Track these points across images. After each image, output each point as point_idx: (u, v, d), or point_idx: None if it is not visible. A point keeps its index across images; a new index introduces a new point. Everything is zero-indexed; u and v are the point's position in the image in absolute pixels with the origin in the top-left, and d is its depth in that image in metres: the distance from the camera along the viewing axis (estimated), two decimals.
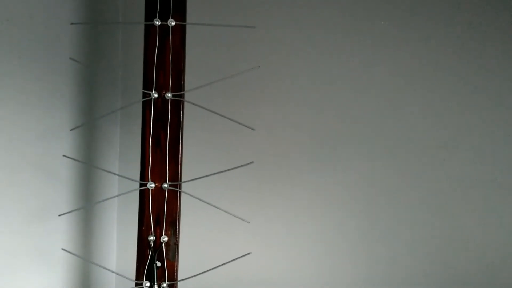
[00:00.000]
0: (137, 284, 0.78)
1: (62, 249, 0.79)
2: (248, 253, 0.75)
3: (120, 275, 0.79)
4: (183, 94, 0.77)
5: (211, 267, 0.78)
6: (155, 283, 0.76)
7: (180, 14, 0.77)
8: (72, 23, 0.83)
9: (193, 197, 0.77)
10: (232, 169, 0.76)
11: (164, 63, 0.77)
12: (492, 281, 0.93)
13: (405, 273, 0.96)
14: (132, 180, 0.79)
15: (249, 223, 0.75)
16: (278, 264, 1.02)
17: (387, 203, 0.97)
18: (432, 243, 0.96)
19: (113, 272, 0.80)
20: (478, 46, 0.94)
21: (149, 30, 0.77)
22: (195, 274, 0.78)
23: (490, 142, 0.94)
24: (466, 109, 0.95)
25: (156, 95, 0.77)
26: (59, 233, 0.93)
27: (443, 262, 0.95)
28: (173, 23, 0.76)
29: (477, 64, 0.94)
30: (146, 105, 0.78)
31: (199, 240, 1.04)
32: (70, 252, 0.79)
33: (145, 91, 0.77)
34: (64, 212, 0.80)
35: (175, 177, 0.77)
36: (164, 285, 0.77)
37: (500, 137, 0.93)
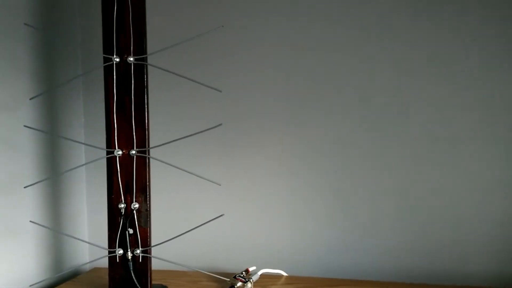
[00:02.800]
0: (110, 252, 0.77)
1: (30, 221, 0.77)
2: (221, 215, 0.75)
3: (92, 244, 0.78)
4: (146, 57, 0.74)
5: (184, 231, 0.78)
6: (128, 249, 0.76)
7: None
8: None
9: (162, 162, 0.76)
10: (201, 132, 0.75)
11: (124, 25, 0.74)
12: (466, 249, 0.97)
13: (380, 233, 0.99)
14: (99, 148, 0.78)
15: (220, 185, 0.75)
16: (251, 225, 1.03)
17: (360, 163, 0.99)
18: (410, 206, 0.98)
19: (84, 241, 0.80)
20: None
21: None
22: (168, 239, 0.78)
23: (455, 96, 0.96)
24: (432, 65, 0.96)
25: (117, 60, 0.74)
26: (26, 206, 0.90)
27: (419, 224, 0.97)
28: None
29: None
30: (108, 70, 0.75)
31: (171, 205, 1.03)
32: (38, 224, 0.77)
33: (106, 55, 0.75)
34: (30, 184, 0.78)
35: (143, 143, 0.76)
36: (138, 251, 0.76)
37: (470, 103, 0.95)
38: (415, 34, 0.95)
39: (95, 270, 1.02)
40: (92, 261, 0.85)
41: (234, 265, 1.01)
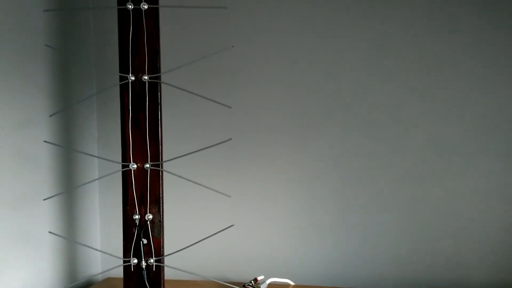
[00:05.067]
0: (125, 261, 0.81)
1: (49, 232, 0.81)
2: (231, 226, 0.79)
3: (108, 254, 0.82)
4: (160, 76, 0.79)
5: (196, 241, 0.81)
6: (142, 259, 0.80)
7: None
8: (45, 10, 0.83)
9: (175, 175, 0.80)
10: (211, 146, 0.79)
11: (139, 46, 0.79)
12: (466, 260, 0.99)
13: (383, 243, 1.02)
14: (114, 162, 0.81)
15: (230, 197, 0.78)
16: (260, 236, 1.06)
17: (364, 175, 1.02)
18: (412, 216, 1.01)
19: (100, 251, 0.83)
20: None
21: (122, 14, 0.78)
22: (180, 248, 0.81)
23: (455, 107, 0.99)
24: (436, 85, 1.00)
25: (133, 78, 0.78)
26: (43, 217, 0.94)
27: (420, 234, 1.00)
28: (145, 6, 0.77)
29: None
30: (123, 88, 0.79)
31: (183, 216, 1.07)
32: (56, 234, 0.81)
33: (122, 74, 0.79)
34: (48, 196, 0.82)
35: (156, 157, 0.79)
36: (151, 260, 0.80)
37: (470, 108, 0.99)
38: (418, 50, 0.99)
39: (108, 280, 1.05)
40: (106, 270, 0.88)
41: (243, 274, 1.04)
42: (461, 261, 0.98)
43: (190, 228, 1.04)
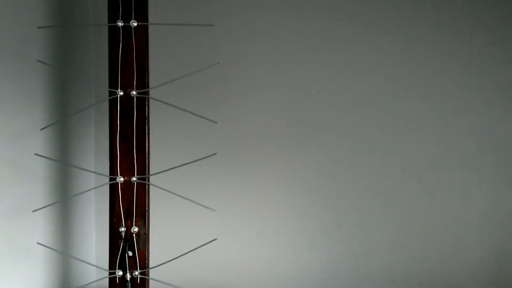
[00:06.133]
0: (110, 273, 0.82)
1: (38, 243, 0.82)
2: (214, 239, 0.79)
3: (93, 265, 0.83)
4: (148, 91, 0.81)
5: (181, 254, 0.82)
6: (127, 271, 0.81)
7: (142, 15, 0.80)
8: (38, 27, 0.86)
9: (161, 188, 0.81)
10: (196, 160, 0.80)
11: (128, 62, 0.81)
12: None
13: (377, 259, 1.02)
14: (101, 174, 0.83)
15: (214, 211, 0.79)
16: (243, 249, 1.07)
17: (358, 188, 1.02)
18: (407, 230, 1.01)
19: (86, 262, 0.84)
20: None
21: (113, 31, 0.80)
22: (165, 261, 0.82)
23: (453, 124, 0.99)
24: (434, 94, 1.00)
25: (121, 93, 0.80)
26: (36, 229, 0.96)
27: (416, 250, 1.00)
28: (135, 24, 0.79)
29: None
30: (112, 103, 0.81)
31: (168, 229, 1.08)
32: (45, 246, 0.83)
33: (111, 89, 0.81)
34: (38, 208, 0.83)
35: (143, 170, 0.81)
36: (136, 273, 0.81)
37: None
38: (415, 65, 1.00)
39: None
40: (94, 281, 0.89)
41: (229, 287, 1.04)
42: (457, 278, 0.97)
43: (177, 241, 1.04)
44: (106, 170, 0.84)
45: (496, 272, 0.96)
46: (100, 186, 0.85)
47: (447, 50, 0.99)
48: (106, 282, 0.84)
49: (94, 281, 0.84)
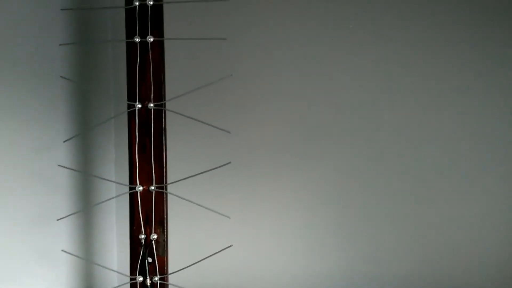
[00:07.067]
0: (131, 279, 0.85)
1: (62, 250, 0.86)
2: (230, 246, 0.82)
3: (115, 271, 0.86)
4: (164, 103, 0.84)
5: (198, 260, 0.85)
6: (147, 277, 0.84)
7: (158, 30, 0.83)
8: (60, 44, 0.90)
9: (178, 197, 0.84)
10: (212, 169, 0.83)
11: (146, 76, 0.84)
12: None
13: (387, 266, 1.03)
14: (122, 184, 0.87)
15: (229, 218, 0.82)
16: (258, 255, 1.09)
17: (362, 194, 1.04)
18: (417, 235, 1.02)
19: (109, 269, 0.87)
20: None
21: (130, 46, 0.84)
22: (183, 267, 0.85)
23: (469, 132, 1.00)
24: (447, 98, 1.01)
25: (139, 106, 0.84)
26: (60, 237, 1.00)
27: (426, 257, 1.01)
28: (151, 39, 0.82)
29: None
30: (131, 115, 0.85)
31: (186, 236, 1.11)
32: (69, 253, 0.86)
33: (129, 102, 0.84)
34: (62, 216, 0.87)
35: (161, 179, 0.84)
36: (156, 278, 0.84)
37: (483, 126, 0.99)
38: (420, 70, 1.01)
39: None
40: (116, 287, 0.92)
41: None
42: (466, 280, 0.97)
43: (194, 247, 1.07)
44: (126, 179, 0.88)
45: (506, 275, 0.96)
46: (120, 195, 0.88)
47: (455, 52, 1.00)
48: (127, 287, 0.87)
49: (119, 286, 0.87)
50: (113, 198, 0.90)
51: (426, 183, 1.00)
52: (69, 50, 1.03)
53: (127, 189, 0.86)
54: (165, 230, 0.84)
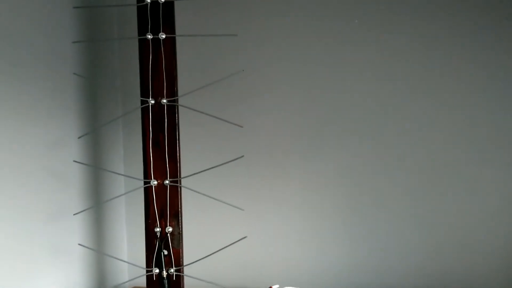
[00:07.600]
0: (147, 271, 0.87)
1: (79, 244, 0.88)
2: (244, 237, 0.84)
3: (132, 264, 0.88)
4: (177, 99, 0.85)
5: (212, 252, 0.87)
6: (163, 269, 0.86)
7: (170, 27, 0.85)
8: (73, 42, 0.91)
9: (193, 190, 0.86)
10: (225, 163, 0.85)
11: (158, 72, 0.85)
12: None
13: (395, 253, 1.05)
14: (137, 179, 0.88)
15: (243, 210, 0.84)
16: (271, 247, 1.12)
17: (375, 187, 1.06)
18: (421, 227, 1.04)
19: (125, 261, 0.89)
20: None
21: (142, 43, 0.85)
22: (198, 259, 0.87)
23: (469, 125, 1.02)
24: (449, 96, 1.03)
25: (153, 102, 0.85)
26: (73, 231, 1.02)
27: (429, 254, 1.04)
28: (163, 36, 0.84)
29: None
30: (144, 111, 0.86)
31: (201, 228, 1.13)
32: (85, 246, 0.88)
33: (143, 98, 0.86)
34: (78, 211, 0.89)
35: (175, 173, 0.86)
36: (172, 270, 0.86)
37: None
38: (420, 74, 1.03)
39: None
40: (130, 280, 0.94)
41: (259, 283, 1.09)
42: (469, 274, 1.00)
43: (208, 239, 1.09)
44: (134, 174, 0.89)
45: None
46: (134, 189, 0.90)
47: (462, 50, 1.01)
48: (140, 280, 0.89)
49: (133, 278, 0.89)
50: (127, 192, 0.91)
51: (431, 181, 1.02)
52: (79, 48, 1.04)
53: (137, 184, 0.88)
54: (180, 223, 0.86)
